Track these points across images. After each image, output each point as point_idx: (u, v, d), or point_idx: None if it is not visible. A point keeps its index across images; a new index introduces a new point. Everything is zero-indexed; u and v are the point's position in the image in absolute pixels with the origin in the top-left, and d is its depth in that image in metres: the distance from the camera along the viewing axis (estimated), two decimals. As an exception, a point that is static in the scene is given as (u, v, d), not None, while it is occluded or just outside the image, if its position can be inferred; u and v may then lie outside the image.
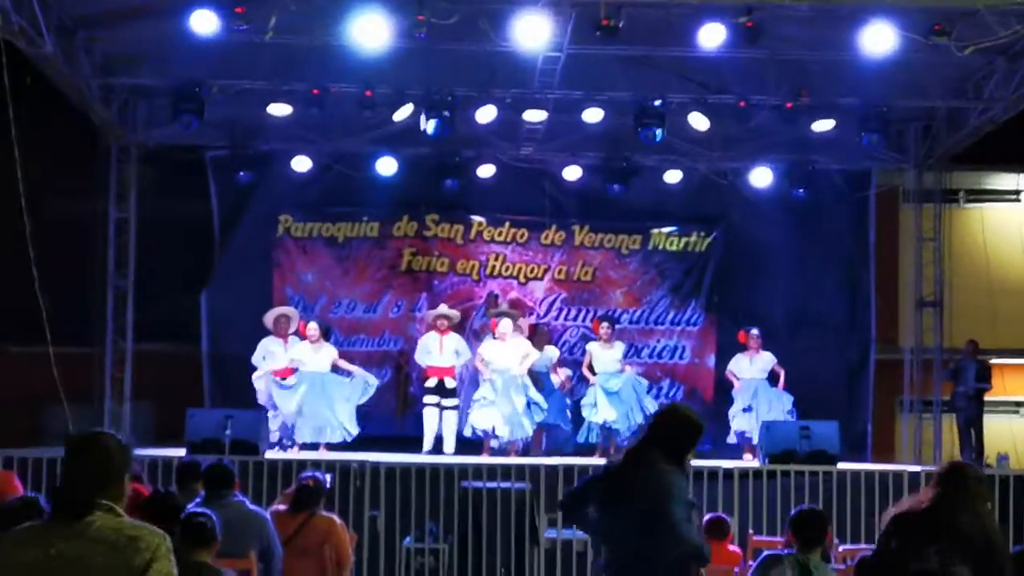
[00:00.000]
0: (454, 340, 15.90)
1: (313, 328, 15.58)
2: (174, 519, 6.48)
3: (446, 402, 15.71)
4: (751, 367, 16.27)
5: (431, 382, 15.79)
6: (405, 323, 18.33)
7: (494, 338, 15.57)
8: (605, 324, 16.22)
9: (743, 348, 16.42)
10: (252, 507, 8.33)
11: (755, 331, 16.35)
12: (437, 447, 15.58)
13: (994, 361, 18.03)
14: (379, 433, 15.93)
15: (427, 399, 15.80)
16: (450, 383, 15.75)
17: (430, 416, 15.69)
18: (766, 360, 16.26)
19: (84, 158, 18.27)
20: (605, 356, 15.90)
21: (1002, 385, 18.75)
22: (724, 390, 17.44)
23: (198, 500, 8.01)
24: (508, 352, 15.41)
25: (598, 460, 14.79)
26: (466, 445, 15.74)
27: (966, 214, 20.46)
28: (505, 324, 15.55)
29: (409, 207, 18.36)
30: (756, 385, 16.15)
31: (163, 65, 16.05)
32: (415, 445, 15.66)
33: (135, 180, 17.93)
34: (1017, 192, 20.86)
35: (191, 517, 6.39)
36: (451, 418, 15.74)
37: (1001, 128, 16.68)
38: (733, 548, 9.77)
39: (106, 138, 17.82)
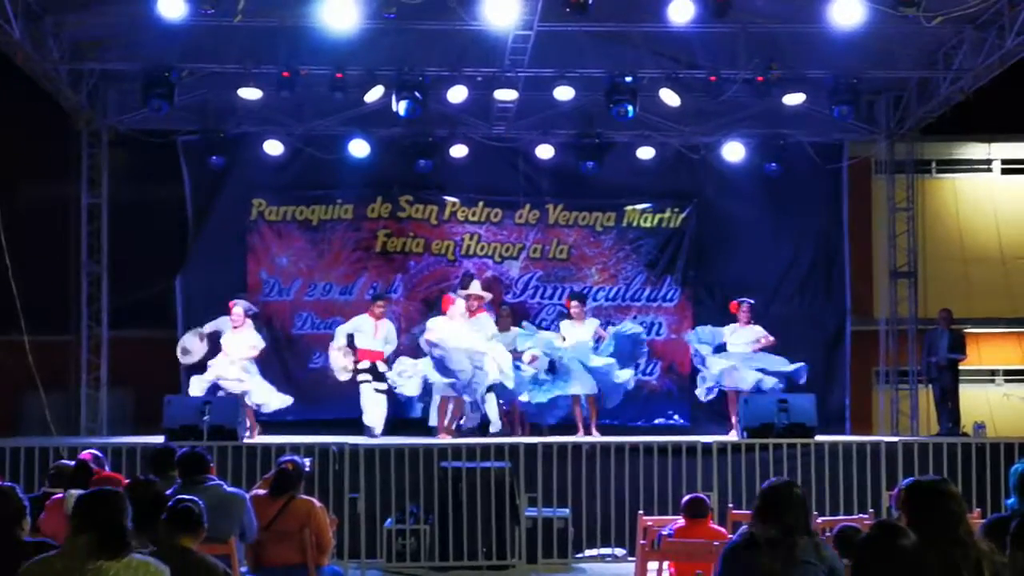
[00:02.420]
0: (387, 327, 15.92)
1: (237, 313, 15.45)
2: (160, 505, 6.45)
3: (378, 385, 15.66)
4: (735, 338, 16.06)
5: (363, 364, 15.74)
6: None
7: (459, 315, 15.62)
8: (575, 302, 16.20)
9: (733, 319, 16.25)
10: (230, 489, 8.33)
11: (746, 303, 16.19)
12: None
13: (968, 330, 18.08)
14: (354, 415, 15.85)
15: (365, 378, 15.72)
16: (381, 367, 15.69)
17: (372, 392, 15.68)
18: (755, 333, 16.06)
19: (55, 144, 18.16)
20: (576, 333, 15.84)
21: (977, 354, 18.82)
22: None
23: (176, 487, 8.00)
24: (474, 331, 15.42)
25: (578, 438, 14.79)
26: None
27: (938, 184, 20.50)
28: (475, 304, 15.54)
29: (383, 188, 18.30)
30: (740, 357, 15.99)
31: (132, 49, 15.96)
32: (388, 426, 15.75)
33: (106, 165, 17.86)
34: (988, 161, 20.90)
35: (179, 503, 6.37)
36: (382, 401, 15.75)
37: (972, 98, 16.67)
38: (713, 526, 9.79)
39: (76, 123, 17.74)
